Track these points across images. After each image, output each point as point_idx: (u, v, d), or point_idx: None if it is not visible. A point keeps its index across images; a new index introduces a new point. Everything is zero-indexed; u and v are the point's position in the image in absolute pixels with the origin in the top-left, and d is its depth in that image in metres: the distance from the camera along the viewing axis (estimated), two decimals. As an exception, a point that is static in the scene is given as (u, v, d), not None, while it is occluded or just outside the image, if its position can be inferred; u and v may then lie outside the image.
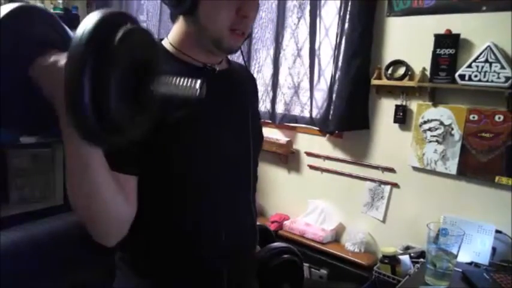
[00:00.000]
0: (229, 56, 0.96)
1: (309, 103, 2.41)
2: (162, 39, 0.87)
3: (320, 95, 2.37)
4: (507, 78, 1.73)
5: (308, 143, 2.51)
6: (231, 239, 0.87)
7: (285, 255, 1.07)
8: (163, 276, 0.84)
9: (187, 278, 0.85)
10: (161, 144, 0.77)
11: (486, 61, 1.77)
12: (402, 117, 2.08)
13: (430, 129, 2.01)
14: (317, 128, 2.39)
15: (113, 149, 0.68)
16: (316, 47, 2.34)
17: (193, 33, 0.81)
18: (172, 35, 0.85)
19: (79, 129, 0.51)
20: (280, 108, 2.58)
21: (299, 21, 2.44)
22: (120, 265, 0.88)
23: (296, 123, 2.52)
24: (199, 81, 0.54)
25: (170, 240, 0.83)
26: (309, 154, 2.50)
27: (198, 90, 0.54)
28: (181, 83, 0.55)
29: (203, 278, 0.86)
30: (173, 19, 0.85)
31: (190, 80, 0.54)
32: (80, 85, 0.48)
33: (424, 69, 1.98)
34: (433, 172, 2.03)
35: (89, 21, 0.51)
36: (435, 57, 1.91)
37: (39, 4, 3.25)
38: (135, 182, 0.77)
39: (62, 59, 0.55)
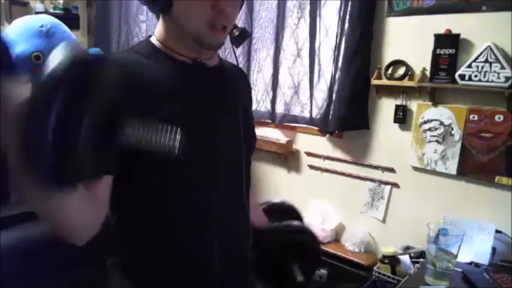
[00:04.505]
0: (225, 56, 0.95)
1: (309, 103, 2.41)
2: (150, 36, 0.86)
3: (320, 95, 2.36)
4: (507, 78, 1.73)
5: (308, 143, 2.51)
6: (223, 241, 0.86)
7: (293, 235, 1.01)
8: (154, 278, 0.83)
9: (178, 280, 0.84)
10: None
11: (486, 61, 1.77)
12: (402, 117, 2.08)
13: (430, 129, 2.01)
14: (317, 128, 2.39)
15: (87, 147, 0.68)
16: (316, 47, 2.34)
17: (173, 30, 0.81)
18: (157, 32, 0.84)
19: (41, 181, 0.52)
20: (280, 108, 2.58)
21: (299, 21, 2.44)
22: (111, 271, 0.87)
23: (296, 123, 2.52)
24: (178, 140, 0.53)
25: (160, 243, 0.83)
26: (309, 154, 2.50)
27: (176, 150, 0.53)
28: (157, 140, 0.54)
29: (195, 279, 0.85)
30: (156, 15, 0.84)
31: (168, 135, 0.54)
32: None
33: (424, 69, 1.98)
34: (433, 172, 2.03)
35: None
36: (435, 57, 1.91)
37: (39, 4, 3.25)
38: (109, 182, 0.75)
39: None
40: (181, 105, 0.79)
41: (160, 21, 0.83)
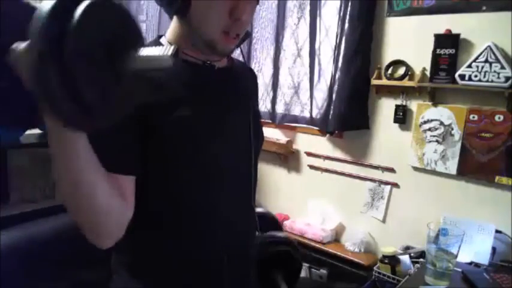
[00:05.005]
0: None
1: (309, 103, 2.42)
2: (160, 37, 0.86)
3: (320, 95, 2.37)
4: (507, 78, 1.73)
5: (308, 143, 2.51)
6: (230, 240, 0.86)
7: (278, 246, 1.05)
8: (161, 277, 0.83)
9: (186, 279, 0.84)
10: (160, 144, 0.76)
11: (486, 61, 1.77)
12: (402, 117, 2.08)
13: (430, 129, 2.01)
14: (317, 128, 2.39)
15: (109, 147, 0.67)
16: (316, 47, 2.34)
17: (187, 33, 0.81)
18: (169, 33, 0.84)
19: (54, 115, 0.48)
20: (280, 108, 2.58)
21: (299, 21, 2.44)
22: (117, 268, 0.87)
23: (296, 123, 2.52)
24: (171, 49, 0.52)
25: (169, 242, 0.83)
26: (309, 154, 2.50)
27: (171, 60, 0.52)
28: (151, 55, 0.52)
29: (202, 279, 0.85)
30: (170, 16, 0.84)
31: (162, 49, 0.52)
32: (44, 65, 0.44)
33: (424, 69, 1.98)
34: (433, 172, 2.03)
35: None
36: (435, 57, 1.91)
37: (39, 4, 3.26)
38: (133, 183, 0.75)
39: None
40: (193, 108, 0.79)
41: (174, 22, 0.83)
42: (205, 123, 0.81)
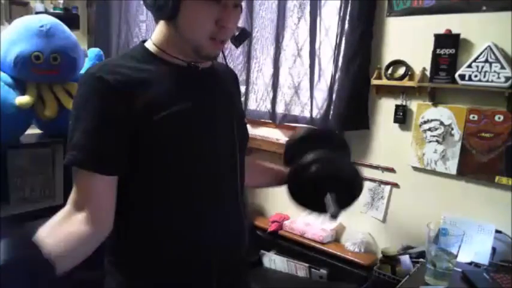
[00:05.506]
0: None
1: (309, 103, 2.41)
2: (145, 41, 0.88)
3: (320, 95, 2.36)
4: (507, 78, 1.73)
5: (308, 143, 2.51)
6: (223, 240, 0.87)
7: (332, 167, 0.96)
8: (153, 278, 0.84)
9: (177, 279, 0.85)
10: (145, 145, 0.78)
11: (486, 61, 1.77)
12: (402, 117, 2.08)
13: (430, 129, 2.01)
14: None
15: (92, 147, 0.73)
16: (316, 47, 2.34)
17: (174, 37, 0.82)
18: (155, 36, 0.86)
19: None
20: (280, 108, 2.58)
21: (299, 21, 2.44)
22: (109, 269, 0.88)
23: (296, 123, 2.52)
24: None
25: (158, 242, 0.83)
26: (309, 154, 2.50)
27: None
28: None
29: (192, 279, 0.86)
30: (156, 20, 0.86)
31: None
32: None
33: (424, 69, 1.98)
34: (433, 172, 2.03)
35: None
36: (435, 57, 1.91)
37: (39, 4, 3.25)
38: (115, 184, 0.78)
39: None
40: (179, 107, 0.80)
41: (161, 26, 0.84)
42: (191, 123, 0.82)
